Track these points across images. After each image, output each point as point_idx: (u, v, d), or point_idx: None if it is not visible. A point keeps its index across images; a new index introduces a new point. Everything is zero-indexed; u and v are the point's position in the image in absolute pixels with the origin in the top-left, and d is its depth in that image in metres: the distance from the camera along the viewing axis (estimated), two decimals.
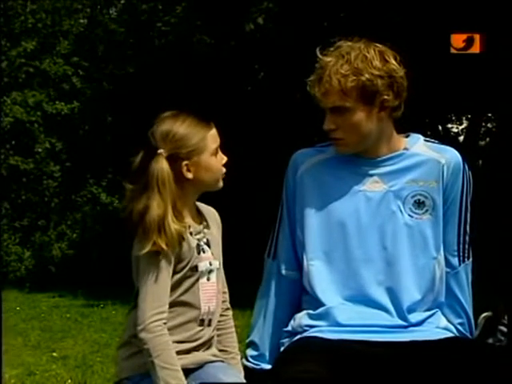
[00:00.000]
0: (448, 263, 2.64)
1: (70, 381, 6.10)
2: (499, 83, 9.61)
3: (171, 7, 13.45)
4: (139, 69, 14.60)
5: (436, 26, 9.65)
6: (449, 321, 2.65)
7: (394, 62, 2.56)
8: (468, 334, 2.67)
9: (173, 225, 2.42)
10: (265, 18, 11.94)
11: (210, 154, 2.52)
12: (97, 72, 15.95)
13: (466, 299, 2.68)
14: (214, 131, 2.55)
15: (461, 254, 2.65)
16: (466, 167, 2.66)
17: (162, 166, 2.45)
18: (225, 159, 2.57)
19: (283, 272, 2.70)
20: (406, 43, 10.62)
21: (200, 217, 2.60)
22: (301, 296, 2.68)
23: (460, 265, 2.65)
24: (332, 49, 2.59)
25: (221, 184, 2.58)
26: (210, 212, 2.65)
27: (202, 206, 2.64)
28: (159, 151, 2.46)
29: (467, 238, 2.66)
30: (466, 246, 2.66)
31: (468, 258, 2.67)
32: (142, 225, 2.42)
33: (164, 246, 2.41)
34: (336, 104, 2.55)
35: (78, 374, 6.37)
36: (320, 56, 2.59)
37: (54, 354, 7.31)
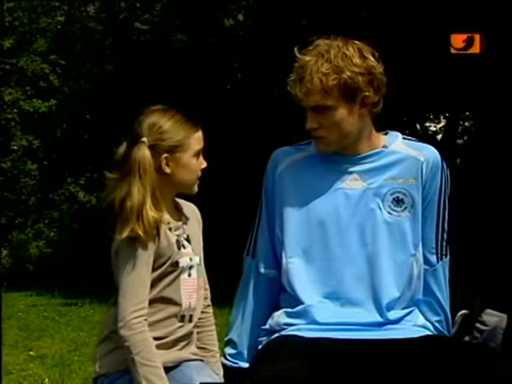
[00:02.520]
0: (426, 261, 2.65)
1: (47, 380, 6.07)
2: (497, 83, 9.66)
3: (150, 5, 13.41)
4: (117, 67, 14.57)
5: (436, 26, 9.66)
6: (426, 318, 2.66)
7: (372, 58, 2.57)
8: (445, 332, 2.69)
9: (150, 212, 2.43)
10: (245, 14, 11.94)
11: (192, 155, 2.53)
12: (74, 70, 15.90)
13: (444, 297, 2.69)
14: (199, 134, 2.56)
15: (439, 251, 2.67)
16: (445, 165, 2.67)
17: (144, 153, 2.46)
18: (204, 164, 2.58)
19: (262, 270, 2.70)
20: (404, 42, 10.69)
21: (179, 213, 2.60)
22: (279, 294, 2.68)
23: (438, 262, 2.67)
24: (310, 48, 2.59)
25: (195, 189, 2.59)
26: (190, 208, 2.65)
27: (181, 202, 2.64)
28: (142, 139, 2.47)
29: (445, 235, 2.68)
30: (444, 244, 2.68)
31: (446, 256, 2.68)
32: (123, 210, 2.43)
33: (141, 233, 2.42)
34: (318, 103, 2.55)
35: (56, 372, 6.34)
36: (299, 55, 2.58)
37: (32, 353, 7.27)
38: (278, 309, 2.65)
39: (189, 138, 2.52)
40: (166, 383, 2.41)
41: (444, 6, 10.23)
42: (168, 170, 2.51)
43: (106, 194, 2.52)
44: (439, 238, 2.66)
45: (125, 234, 2.42)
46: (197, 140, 2.54)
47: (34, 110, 15.43)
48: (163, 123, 2.50)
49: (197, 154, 2.54)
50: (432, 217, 2.65)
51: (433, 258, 2.66)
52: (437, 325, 2.67)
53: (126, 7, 13.77)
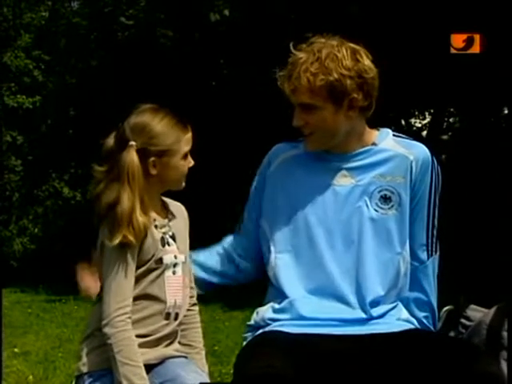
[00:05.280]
0: (417, 257, 2.66)
1: (31, 376, 6.05)
2: (499, 83, 9.68)
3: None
4: (102, 62, 14.53)
5: (436, 26, 9.66)
6: (414, 314, 2.66)
7: (366, 61, 2.56)
8: (432, 327, 2.70)
9: (140, 218, 2.43)
10: (231, 9, 11.91)
11: (180, 158, 2.52)
12: (59, 65, 15.84)
13: (432, 292, 2.70)
14: (189, 135, 2.55)
15: (429, 248, 2.68)
16: (435, 162, 2.68)
17: (132, 158, 2.45)
18: (192, 163, 2.57)
19: (235, 257, 2.74)
20: (404, 42, 10.67)
21: (165, 211, 2.60)
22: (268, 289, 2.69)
23: (428, 259, 2.68)
24: (305, 45, 2.59)
25: (183, 184, 2.59)
26: (177, 207, 2.65)
27: (169, 201, 2.64)
28: (131, 143, 2.46)
29: (435, 232, 2.69)
30: (434, 240, 2.69)
31: (436, 252, 2.69)
32: (113, 217, 2.42)
33: (133, 239, 2.41)
34: (304, 101, 2.56)
35: (40, 369, 6.31)
36: (293, 51, 2.58)
37: (16, 350, 7.23)
38: (261, 304, 2.66)
39: (179, 142, 2.50)
40: (145, 383, 2.40)
41: (444, 6, 10.24)
42: (154, 172, 2.49)
43: (93, 186, 2.50)
44: (429, 234, 2.67)
45: (116, 240, 2.41)
46: (186, 142, 2.53)
47: (18, 105, 15.36)
48: (153, 127, 2.48)
49: (185, 155, 2.54)
50: (422, 214, 2.66)
51: (423, 255, 2.67)
52: (424, 320, 2.68)
53: (111, 1, 13.73)
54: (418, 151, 2.66)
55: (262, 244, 2.69)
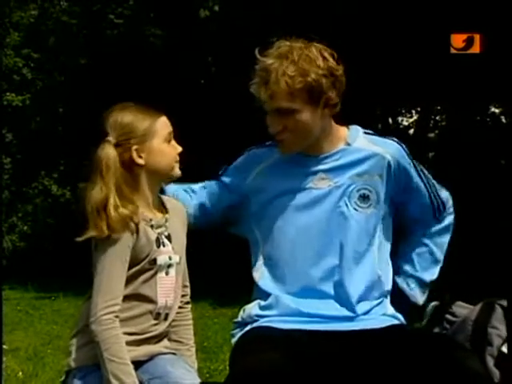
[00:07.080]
0: (431, 224, 2.79)
1: (20, 373, 6.04)
2: (499, 83, 9.70)
3: None
4: (91, 60, 14.51)
5: (436, 26, 9.67)
6: (414, 267, 2.79)
7: (332, 60, 2.58)
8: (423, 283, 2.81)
9: (115, 208, 2.41)
10: (220, 5, 11.91)
11: (162, 140, 2.52)
12: (48, 63, 15.82)
13: (442, 250, 2.86)
14: (163, 118, 2.55)
15: (438, 215, 2.80)
16: (405, 148, 2.71)
17: (107, 151, 2.45)
18: (179, 149, 2.57)
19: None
20: (403, 42, 10.62)
21: (163, 210, 2.59)
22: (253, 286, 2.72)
23: (441, 216, 2.80)
24: (271, 50, 2.59)
25: (177, 172, 2.58)
26: (176, 206, 2.65)
27: (168, 199, 2.64)
28: (107, 138, 2.47)
29: (439, 199, 2.78)
30: (441, 208, 2.79)
31: (450, 214, 2.84)
32: (87, 211, 2.42)
33: (105, 230, 2.39)
34: (283, 106, 2.55)
35: (29, 366, 6.31)
36: (260, 57, 2.58)
37: (5, 347, 7.21)
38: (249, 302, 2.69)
39: (153, 125, 2.50)
40: (133, 380, 2.40)
41: (444, 6, 10.24)
42: (141, 161, 2.49)
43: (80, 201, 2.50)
44: (435, 203, 2.77)
45: (90, 233, 2.40)
46: (162, 124, 2.53)
47: (8, 103, 15.33)
48: (124, 118, 2.49)
49: (167, 139, 2.54)
50: (420, 192, 2.73)
51: (435, 224, 2.80)
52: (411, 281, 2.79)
53: (100, 0, 13.72)
54: (392, 150, 2.68)
55: (253, 247, 2.73)
